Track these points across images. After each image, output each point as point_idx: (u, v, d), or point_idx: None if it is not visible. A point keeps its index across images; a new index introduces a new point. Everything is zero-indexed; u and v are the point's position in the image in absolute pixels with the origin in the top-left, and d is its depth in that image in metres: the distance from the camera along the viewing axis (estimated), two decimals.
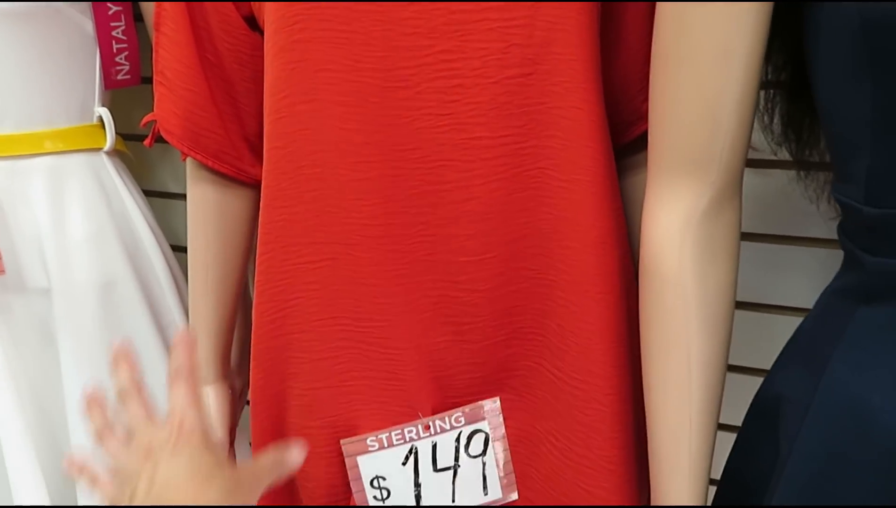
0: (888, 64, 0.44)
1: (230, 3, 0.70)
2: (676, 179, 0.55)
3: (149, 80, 0.93)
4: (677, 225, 0.55)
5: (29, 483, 0.88)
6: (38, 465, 0.89)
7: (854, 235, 0.52)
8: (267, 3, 0.63)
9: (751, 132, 0.55)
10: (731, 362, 0.91)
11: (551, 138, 0.62)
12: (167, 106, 0.74)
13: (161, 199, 1.05)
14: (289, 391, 0.71)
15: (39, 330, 0.88)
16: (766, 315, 0.87)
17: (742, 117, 0.53)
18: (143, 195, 0.96)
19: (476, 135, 0.62)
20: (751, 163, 0.79)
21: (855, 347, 0.50)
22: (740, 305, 0.88)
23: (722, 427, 0.62)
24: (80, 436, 0.88)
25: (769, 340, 0.72)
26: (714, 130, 0.53)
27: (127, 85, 0.92)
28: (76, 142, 0.88)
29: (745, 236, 0.86)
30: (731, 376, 0.91)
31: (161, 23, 0.72)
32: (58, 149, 0.87)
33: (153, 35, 0.73)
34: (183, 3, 0.70)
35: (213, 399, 0.79)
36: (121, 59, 0.90)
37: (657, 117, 0.54)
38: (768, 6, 0.51)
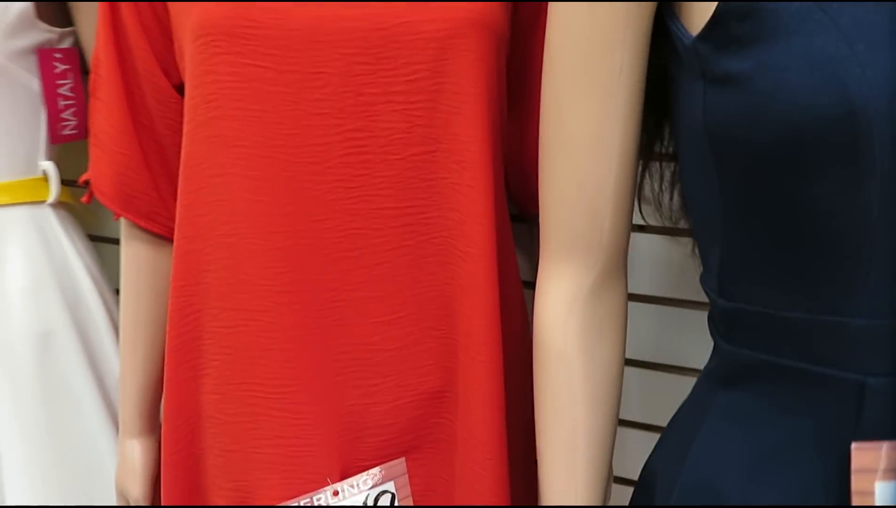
0: (730, 165, 0.47)
1: (161, 73, 0.73)
2: (561, 259, 0.57)
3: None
4: (563, 301, 0.58)
5: None
6: None
7: (715, 322, 0.54)
8: (187, 79, 0.66)
9: (631, 217, 0.57)
10: (638, 419, 0.93)
11: (452, 211, 0.65)
12: (101, 167, 0.76)
13: (111, 245, 1.07)
14: (205, 451, 0.72)
15: None
16: (671, 375, 0.90)
17: (621, 204, 0.56)
18: (87, 243, 0.98)
19: (384, 205, 0.65)
20: (660, 230, 0.82)
21: (713, 430, 0.52)
22: (646, 365, 0.91)
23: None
24: (13, 485, 0.89)
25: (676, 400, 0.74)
26: (593, 218, 0.55)
27: (74, 139, 0.94)
28: (19, 196, 0.90)
29: (652, 299, 0.89)
30: (637, 432, 0.93)
31: (97, 88, 0.75)
32: (1, 203, 0.89)
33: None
34: (118, 70, 0.73)
35: (139, 452, 0.81)
36: (67, 114, 0.92)
37: (542, 201, 0.57)
38: (640, 99, 0.54)
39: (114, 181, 0.76)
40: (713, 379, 0.55)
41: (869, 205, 0.42)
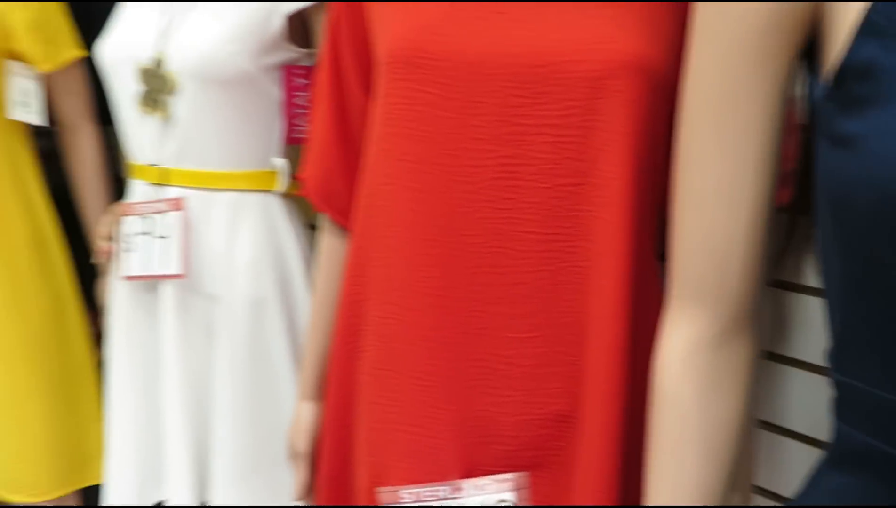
0: (847, 229, 0.45)
1: (364, 94, 0.84)
2: (686, 306, 0.58)
3: None
4: (683, 348, 0.58)
5: (179, 462, 1.09)
6: (187, 443, 1.09)
7: (832, 398, 0.51)
8: (378, 102, 0.76)
9: (762, 270, 0.56)
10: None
11: (591, 243, 0.68)
12: (310, 169, 0.90)
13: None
14: (357, 423, 0.82)
15: (205, 328, 1.09)
16: None
17: (750, 258, 0.55)
18: (302, 230, 1.14)
19: (529, 229, 0.69)
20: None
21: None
22: (808, 440, 0.83)
23: None
24: (220, 425, 1.07)
25: None
26: (721, 269, 0.55)
27: (303, 142, 1.11)
28: (255, 184, 1.08)
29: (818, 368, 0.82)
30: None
31: (314, 103, 0.89)
32: (240, 188, 1.07)
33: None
34: (331, 91, 0.86)
35: (308, 413, 0.94)
36: (300, 120, 1.09)
37: (673, 246, 0.58)
38: (773, 155, 0.52)
39: (318, 181, 0.89)
40: (828, 460, 0.52)
41: None
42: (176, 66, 1.02)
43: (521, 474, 0.76)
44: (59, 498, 1.41)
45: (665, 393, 0.59)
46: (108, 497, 1.20)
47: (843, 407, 0.49)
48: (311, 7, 1.02)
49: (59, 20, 1.32)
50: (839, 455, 0.51)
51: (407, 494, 0.77)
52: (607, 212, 0.68)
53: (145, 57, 1.04)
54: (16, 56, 1.30)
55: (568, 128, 0.67)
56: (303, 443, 0.94)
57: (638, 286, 0.70)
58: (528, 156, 0.68)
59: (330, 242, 0.92)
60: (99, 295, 1.44)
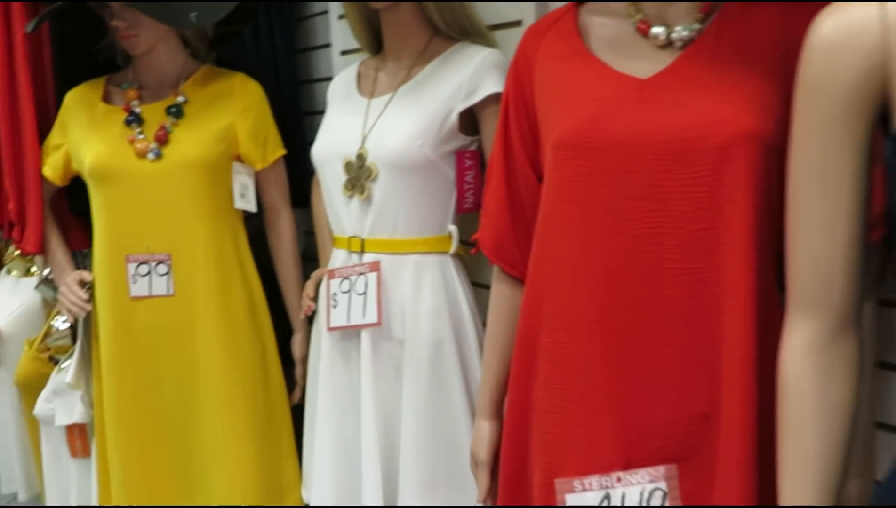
0: None
1: (531, 169, 1.07)
2: (800, 312, 0.75)
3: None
4: (800, 347, 0.75)
5: (371, 483, 1.32)
6: (380, 470, 1.32)
7: None
8: (545, 175, 1.00)
9: (859, 286, 0.72)
10: None
11: (724, 273, 0.87)
12: (485, 230, 1.14)
13: (482, 289, 1.46)
14: (532, 431, 1.02)
15: (394, 367, 1.34)
16: None
17: (849, 275, 0.72)
18: (470, 285, 1.38)
19: (671, 266, 0.89)
20: None
21: None
22: None
23: None
24: (407, 446, 1.30)
25: None
26: (826, 284, 0.72)
27: (471, 211, 1.36)
28: (433, 247, 1.34)
29: None
30: None
31: (489, 177, 1.14)
32: (422, 250, 1.33)
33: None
34: (504, 167, 1.10)
35: (487, 429, 1.14)
36: (468, 194, 1.34)
37: (788, 269, 0.76)
38: (863, 191, 0.70)
39: (492, 240, 1.13)
40: None
41: None
42: (374, 157, 1.31)
43: (671, 466, 0.92)
44: None
45: (787, 383, 0.76)
46: None
47: None
48: (479, 102, 1.28)
49: (269, 127, 1.67)
50: None
51: (578, 483, 0.95)
52: (734, 249, 0.86)
53: (350, 152, 1.34)
54: (238, 157, 1.66)
55: (699, 186, 0.87)
56: (484, 454, 1.14)
57: (762, 307, 0.87)
58: (669, 209, 0.89)
59: (500, 288, 1.15)
60: (294, 349, 1.74)
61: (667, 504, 0.93)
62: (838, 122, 0.69)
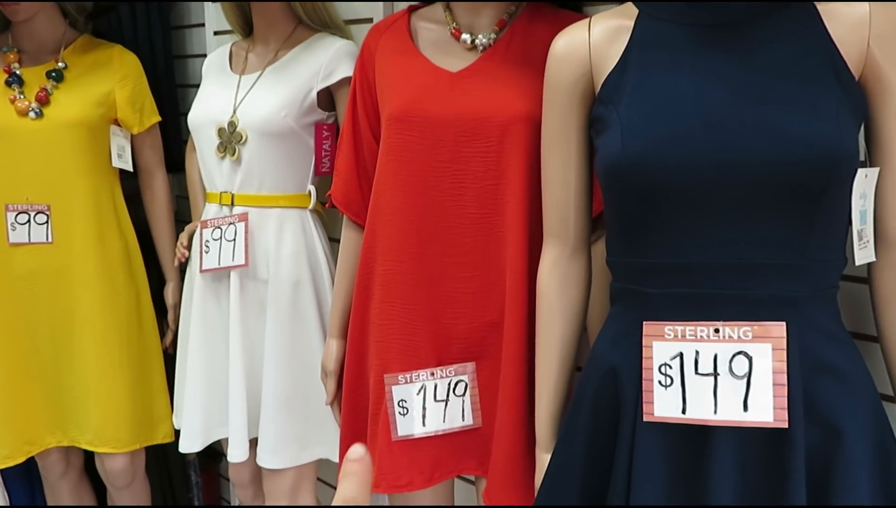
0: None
1: (372, 137, 1.36)
2: (549, 240, 1.09)
3: None
4: (548, 265, 1.09)
5: (236, 403, 1.56)
6: (244, 392, 1.57)
7: None
8: (383, 143, 1.29)
9: (588, 222, 1.07)
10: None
11: (506, 217, 1.21)
12: (337, 186, 1.41)
13: (334, 242, 1.74)
14: (368, 341, 1.32)
15: (259, 303, 1.59)
16: None
17: (580, 212, 1.06)
18: (326, 236, 1.65)
19: (469, 211, 1.22)
20: None
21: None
22: None
23: None
24: (269, 371, 1.55)
25: None
26: (564, 218, 1.06)
27: (327, 174, 1.63)
28: (295, 203, 1.60)
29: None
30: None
31: (341, 143, 1.41)
32: (284, 205, 1.59)
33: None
34: (352, 135, 1.38)
35: (335, 346, 1.43)
36: (325, 160, 1.61)
37: (542, 205, 1.09)
38: (586, 158, 1.05)
39: (342, 194, 1.40)
40: None
41: None
42: (244, 124, 1.54)
43: (471, 363, 1.25)
44: (133, 452, 1.86)
45: (540, 290, 1.10)
46: (183, 437, 1.66)
47: None
48: (334, 84, 1.55)
49: (146, 95, 1.85)
50: (612, 296, 1.01)
51: (402, 377, 1.25)
52: (514, 199, 1.19)
53: (223, 120, 1.57)
54: (116, 121, 1.82)
55: (489, 152, 1.19)
56: (332, 364, 1.42)
57: (532, 243, 1.21)
58: (468, 169, 1.20)
59: (348, 234, 1.43)
60: (167, 297, 1.93)
61: (468, 393, 1.25)
62: (565, 109, 1.03)
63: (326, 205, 1.50)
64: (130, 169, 1.85)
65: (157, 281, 1.97)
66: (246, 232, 1.56)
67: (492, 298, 1.23)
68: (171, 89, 2.14)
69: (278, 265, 1.57)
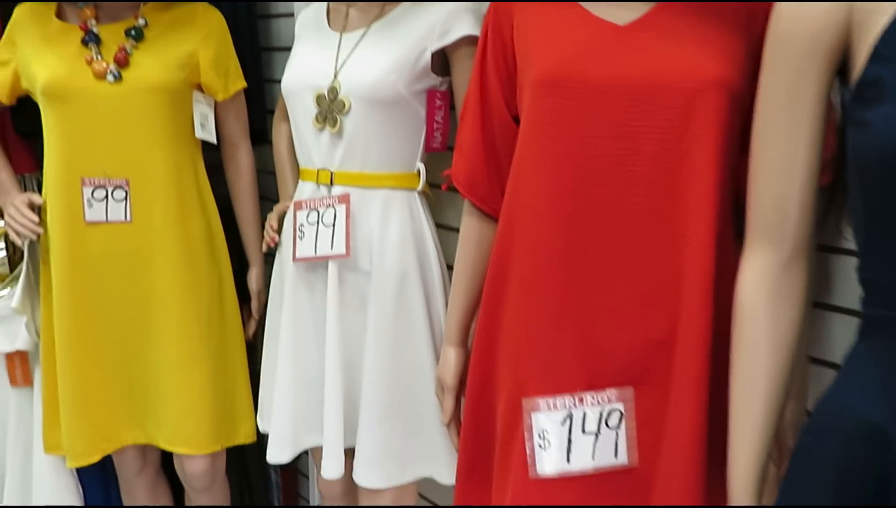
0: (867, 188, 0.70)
1: (505, 107, 1.12)
2: (758, 243, 0.83)
3: (450, 149, 1.40)
4: (756, 272, 0.83)
5: (333, 410, 1.37)
6: (341, 398, 1.37)
7: None
8: (522, 112, 1.05)
9: (812, 221, 0.81)
10: None
11: (687, 210, 0.96)
12: (459, 166, 1.18)
13: (443, 230, 1.52)
14: (499, 355, 1.09)
15: (359, 298, 1.38)
16: None
17: (804, 210, 0.80)
18: (433, 222, 1.42)
19: (637, 200, 0.98)
20: None
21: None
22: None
23: None
24: (369, 374, 1.35)
25: None
26: (783, 216, 0.81)
27: (438, 150, 1.40)
28: (402, 183, 1.38)
29: None
30: None
31: (464, 116, 1.18)
32: (390, 185, 1.37)
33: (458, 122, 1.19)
34: (479, 105, 1.15)
35: (454, 356, 1.21)
36: (437, 134, 1.38)
37: (749, 203, 0.83)
38: (818, 139, 0.78)
39: (466, 174, 1.17)
40: (859, 334, 0.76)
41: None
42: (347, 91, 1.33)
43: (628, 388, 1.01)
44: (213, 454, 1.69)
45: (743, 305, 0.84)
46: (271, 445, 1.47)
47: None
48: (452, 44, 1.31)
49: (231, 58, 1.65)
50: (865, 328, 0.75)
51: (544, 402, 1.03)
52: (698, 188, 0.94)
53: (322, 85, 1.35)
54: (199, 87, 1.63)
55: (668, 128, 0.94)
56: (451, 378, 1.21)
57: (720, 244, 0.95)
58: (639, 148, 0.95)
59: (470, 222, 1.20)
60: (251, 283, 1.75)
61: (623, 424, 1.02)
62: (802, 71, 0.77)
63: (442, 187, 1.27)
64: (214, 140, 1.67)
65: (237, 263, 1.79)
66: (347, 216, 1.34)
67: (661, 311, 0.98)
68: (255, 53, 1.94)
69: (382, 255, 1.36)
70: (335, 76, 1.35)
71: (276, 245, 1.54)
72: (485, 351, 1.12)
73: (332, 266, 1.37)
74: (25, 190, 1.76)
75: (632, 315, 0.99)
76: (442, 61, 1.35)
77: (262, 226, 1.69)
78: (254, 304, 1.76)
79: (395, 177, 1.37)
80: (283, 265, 1.49)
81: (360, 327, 1.38)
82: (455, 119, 1.38)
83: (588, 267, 1.00)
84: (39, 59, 1.53)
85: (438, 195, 1.47)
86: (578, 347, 1.02)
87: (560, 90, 0.98)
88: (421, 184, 1.39)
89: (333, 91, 1.34)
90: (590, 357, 1.02)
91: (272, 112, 1.67)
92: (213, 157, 1.75)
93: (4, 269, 2.05)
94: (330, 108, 1.34)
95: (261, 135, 1.88)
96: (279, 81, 1.45)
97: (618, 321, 1.00)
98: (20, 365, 1.87)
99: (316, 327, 1.42)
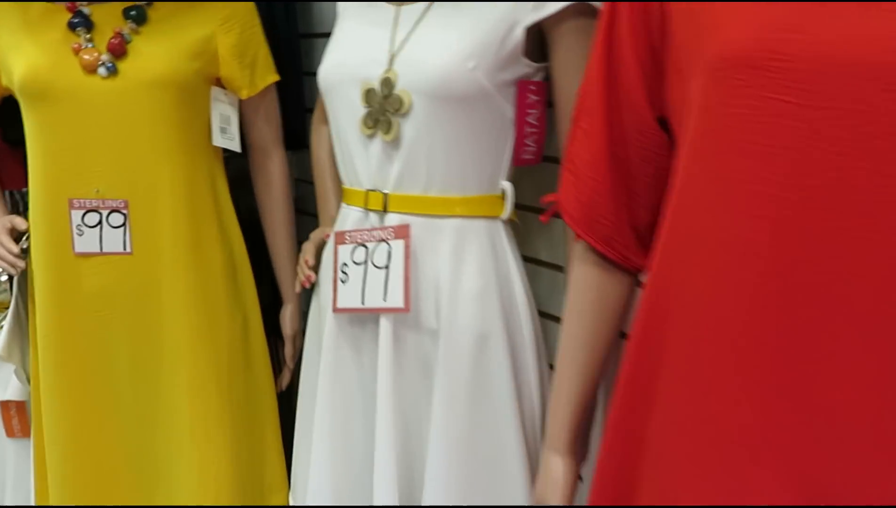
0: None
1: (648, 105, 0.75)
2: None
3: (547, 160, 1.03)
4: None
5: (384, 482, 1.02)
6: (396, 470, 1.02)
7: None
8: (690, 112, 0.67)
9: None
10: None
11: None
12: (571, 191, 0.81)
13: (532, 265, 1.15)
14: (641, 481, 0.72)
15: (422, 362, 1.02)
16: None
17: None
18: (521, 259, 1.05)
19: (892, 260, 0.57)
20: None
21: None
22: None
23: None
24: (435, 464, 0.99)
25: None
26: None
27: (530, 163, 1.03)
28: (480, 210, 1.01)
29: None
30: None
31: (579, 117, 0.80)
32: (465, 213, 1.00)
33: (564, 126, 0.81)
34: (604, 102, 0.77)
35: (562, 469, 0.84)
36: (530, 141, 1.01)
37: None
38: None
39: (581, 204, 0.80)
40: None
41: None
42: (406, 83, 0.96)
43: None
44: None
45: None
46: None
47: None
48: (551, 17, 0.94)
49: (259, 44, 1.31)
50: None
51: None
52: None
53: (372, 75, 0.99)
54: (218, 81, 1.30)
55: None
56: (558, 499, 0.84)
57: None
58: (892, 156, 0.56)
59: (586, 272, 0.83)
60: (284, 325, 1.41)
61: None
62: None
63: (542, 217, 0.90)
64: (237, 148, 1.33)
65: (267, 295, 1.45)
66: (406, 256, 0.98)
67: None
68: (292, 39, 1.60)
69: (455, 309, 0.99)
70: (390, 63, 0.98)
71: (314, 284, 1.19)
72: (619, 464, 0.74)
73: (384, 321, 1.01)
74: (17, 211, 1.45)
75: (866, 443, 0.60)
76: (537, 41, 0.98)
77: (298, 254, 1.35)
78: (287, 351, 1.42)
79: (472, 201, 1.01)
80: (322, 312, 1.14)
81: (422, 402, 1.02)
82: (552, 120, 1.01)
83: (800, 358, 0.61)
84: (17, 48, 1.22)
85: (525, 221, 1.11)
86: (779, 483, 0.63)
87: (764, 75, 0.60)
88: (507, 211, 1.02)
89: (388, 83, 0.98)
90: (795, 499, 0.63)
91: (312, 110, 1.32)
92: (237, 166, 1.41)
93: (6, 296, 1.78)
94: (383, 108, 0.98)
95: (299, 139, 1.55)
96: None
97: (844, 451, 0.61)
98: (17, 415, 1.59)
99: (364, 398, 1.07)
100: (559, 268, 1.18)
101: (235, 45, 1.27)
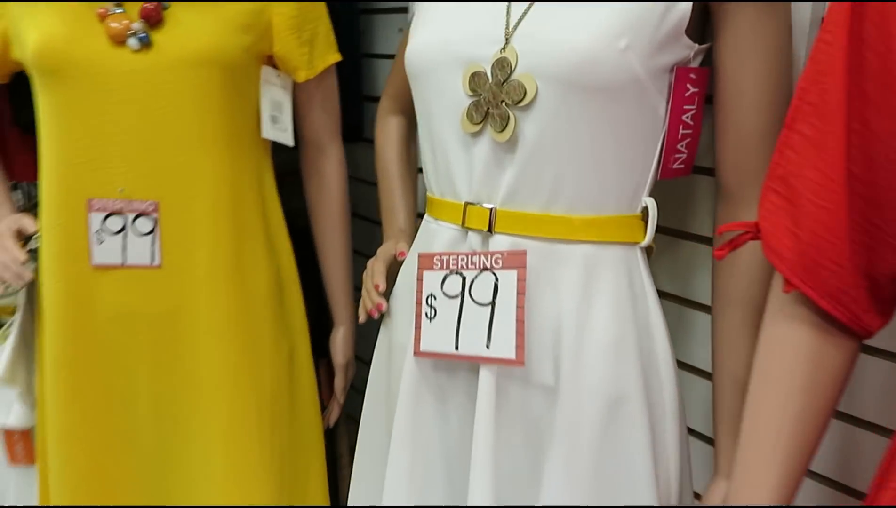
0: None
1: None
2: None
3: (699, 170, 0.81)
4: None
5: None
6: None
7: None
8: None
9: None
10: None
11: None
12: (783, 223, 0.58)
13: None
14: None
15: (530, 426, 0.79)
16: None
17: None
18: (658, 297, 0.83)
19: None
20: None
21: None
22: None
23: None
24: None
25: None
26: None
27: (679, 175, 0.80)
28: (616, 233, 0.78)
29: None
30: None
31: (798, 119, 0.57)
32: (597, 238, 0.77)
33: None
34: (843, 101, 0.54)
35: None
36: (682, 145, 0.78)
37: None
38: None
39: (800, 241, 0.57)
40: None
41: None
42: (530, 65, 0.73)
43: None
44: None
45: None
46: None
47: None
48: None
49: (319, 18, 1.08)
50: None
51: None
52: None
53: (481, 55, 0.76)
54: (271, 60, 1.07)
55: None
56: None
57: None
58: None
59: (801, 336, 0.60)
60: (334, 352, 1.20)
61: None
62: None
63: (717, 252, 0.67)
64: (290, 141, 1.10)
65: (316, 318, 1.24)
66: (520, 291, 0.75)
67: None
68: (351, 16, 1.37)
69: (580, 363, 0.76)
70: (507, 40, 0.75)
71: (383, 314, 0.96)
72: None
73: (486, 373, 0.78)
74: (28, 202, 1.25)
75: None
76: (700, 17, 0.75)
77: (353, 268, 1.13)
78: (338, 383, 1.20)
79: (607, 222, 0.77)
80: (394, 350, 0.91)
81: (527, 473, 0.80)
82: (710, 117, 0.78)
83: None
84: (31, 14, 1.00)
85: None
86: None
87: None
88: (649, 236, 0.79)
89: (504, 66, 0.75)
90: None
91: (371, 99, 1.10)
92: (285, 161, 1.19)
93: (12, 300, 1.58)
94: (496, 97, 0.75)
95: (355, 132, 1.32)
96: (382, 56, 0.87)
97: None
98: (20, 441, 1.41)
99: (447, 465, 0.84)
100: (686, 302, 0.96)
101: (294, 16, 1.04)
